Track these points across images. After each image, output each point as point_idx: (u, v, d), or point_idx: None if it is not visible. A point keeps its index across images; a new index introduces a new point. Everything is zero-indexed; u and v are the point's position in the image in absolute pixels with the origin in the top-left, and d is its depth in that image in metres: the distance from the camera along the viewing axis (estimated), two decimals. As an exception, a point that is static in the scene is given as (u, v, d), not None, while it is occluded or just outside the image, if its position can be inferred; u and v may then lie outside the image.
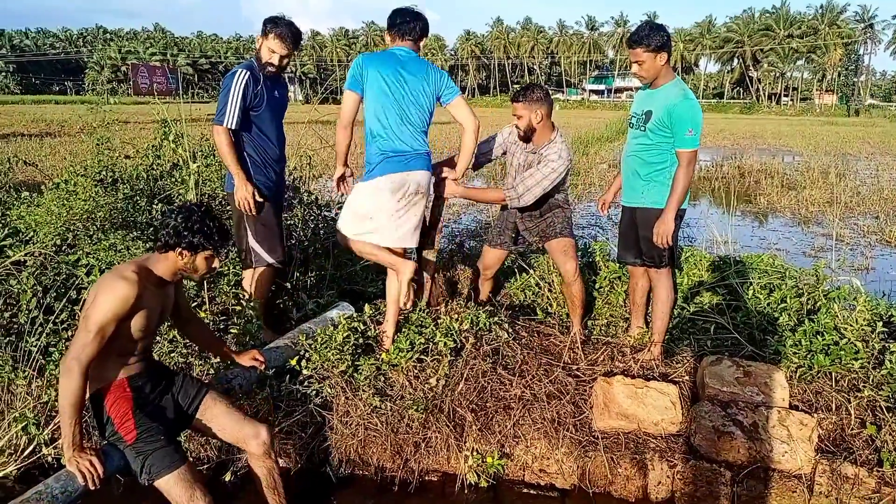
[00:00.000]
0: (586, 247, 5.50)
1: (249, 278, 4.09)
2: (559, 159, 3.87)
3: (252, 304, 3.87)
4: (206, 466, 3.38)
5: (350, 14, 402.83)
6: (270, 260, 4.05)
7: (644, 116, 3.70)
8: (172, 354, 3.71)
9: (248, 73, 3.84)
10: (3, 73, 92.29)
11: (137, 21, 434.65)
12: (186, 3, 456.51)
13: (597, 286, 4.78)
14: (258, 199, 3.89)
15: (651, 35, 3.54)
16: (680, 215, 3.68)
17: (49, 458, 3.26)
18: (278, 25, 3.83)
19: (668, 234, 3.62)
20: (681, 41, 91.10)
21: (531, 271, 5.00)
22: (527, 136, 3.96)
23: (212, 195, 4.89)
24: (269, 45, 3.85)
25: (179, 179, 4.70)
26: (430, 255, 4.12)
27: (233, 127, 3.80)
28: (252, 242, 4.01)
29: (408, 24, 3.64)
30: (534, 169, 3.90)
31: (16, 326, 3.73)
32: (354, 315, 4.04)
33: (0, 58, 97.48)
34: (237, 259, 4.23)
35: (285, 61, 3.93)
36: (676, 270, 4.51)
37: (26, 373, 3.49)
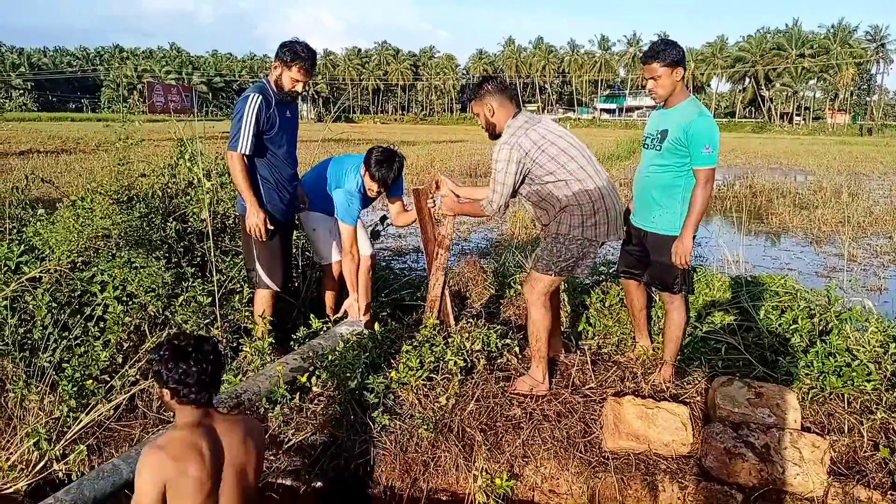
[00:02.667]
0: (596, 266, 5.49)
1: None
2: (499, 149, 3.50)
3: (264, 321, 3.91)
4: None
5: (363, 34, 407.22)
6: (269, 283, 4.09)
7: (659, 136, 3.63)
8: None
9: (261, 96, 3.86)
10: (21, 91, 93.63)
11: (154, 41, 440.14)
12: (202, 23, 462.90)
13: (607, 304, 4.77)
14: (269, 226, 3.92)
15: (667, 50, 3.50)
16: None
17: (60, 474, 3.27)
18: (300, 56, 3.86)
19: (687, 255, 3.57)
20: (693, 61, 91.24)
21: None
22: (492, 134, 3.68)
23: (225, 215, 4.94)
24: (292, 76, 3.89)
25: (194, 198, 4.75)
26: (439, 273, 4.14)
27: (247, 152, 3.84)
28: (256, 264, 4.06)
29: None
30: None
31: (29, 342, 3.77)
32: (364, 332, 4.06)
33: (18, 76, 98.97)
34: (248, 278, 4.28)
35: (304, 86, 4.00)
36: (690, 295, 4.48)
37: (39, 388, 3.52)
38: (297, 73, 3.89)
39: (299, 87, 3.94)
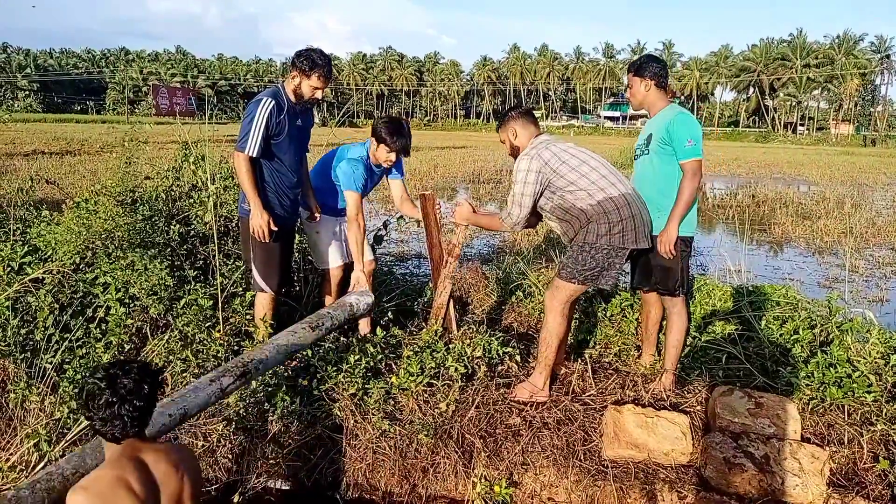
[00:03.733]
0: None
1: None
2: (519, 160, 3.65)
3: (265, 324, 3.91)
4: (213, 487, 3.39)
5: (368, 39, 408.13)
6: (264, 286, 4.10)
7: (645, 142, 3.82)
8: (185, 374, 3.75)
9: (273, 101, 3.88)
10: (27, 92, 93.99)
11: (160, 43, 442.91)
12: (208, 27, 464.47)
13: (609, 314, 4.77)
14: (273, 227, 3.93)
15: (642, 63, 3.82)
16: (688, 243, 3.70)
17: (60, 475, 3.27)
18: (318, 63, 3.90)
19: (671, 244, 3.63)
20: (697, 70, 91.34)
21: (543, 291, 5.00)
22: (516, 157, 3.80)
23: (228, 217, 4.95)
24: (311, 84, 3.93)
25: (198, 201, 4.77)
26: (447, 281, 4.14)
27: (254, 155, 3.85)
28: (252, 267, 4.08)
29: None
30: None
31: (31, 343, 3.78)
32: (367, 336, 4.06)
33: (25, 77, 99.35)
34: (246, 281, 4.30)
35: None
36: (689, 300, 4.50)
37: (40, 389, 3.53)
38: (317, 81, 3.93)
39: (318, 94, 3.98)
